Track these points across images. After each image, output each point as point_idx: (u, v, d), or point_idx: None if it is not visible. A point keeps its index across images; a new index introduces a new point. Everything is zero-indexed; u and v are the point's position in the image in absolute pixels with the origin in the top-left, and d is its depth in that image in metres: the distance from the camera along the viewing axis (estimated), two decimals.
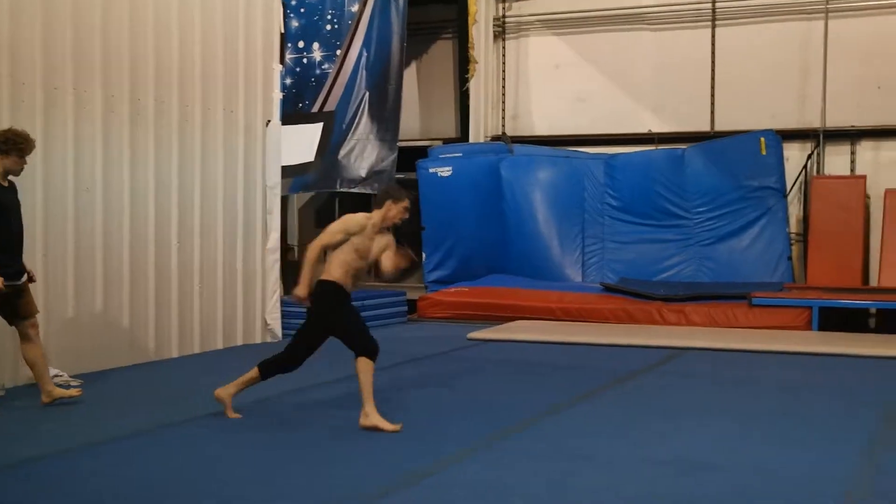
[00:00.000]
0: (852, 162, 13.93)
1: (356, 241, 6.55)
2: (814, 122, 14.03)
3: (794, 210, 14.08)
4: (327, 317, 6.60)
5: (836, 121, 13.93)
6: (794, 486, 5.26)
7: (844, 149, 13.96)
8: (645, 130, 15.05)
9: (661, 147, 14.69)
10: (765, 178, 13.64)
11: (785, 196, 13.65)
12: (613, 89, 15.27)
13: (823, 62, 13.93)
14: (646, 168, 14.27)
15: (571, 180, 14.54)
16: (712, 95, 14.67)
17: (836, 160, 14.01)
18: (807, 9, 14.11)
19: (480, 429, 6.66)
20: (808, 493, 5.13)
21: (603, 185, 14.41)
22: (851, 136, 13.90)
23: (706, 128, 14.69)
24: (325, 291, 6.57)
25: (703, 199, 13.90)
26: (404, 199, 6.64)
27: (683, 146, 14.27)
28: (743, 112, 14.40)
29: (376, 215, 6.64)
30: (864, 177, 13.61)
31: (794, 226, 13.96)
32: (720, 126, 14.57)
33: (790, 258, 13.47)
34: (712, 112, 14.69)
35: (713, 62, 14.64)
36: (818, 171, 14.02)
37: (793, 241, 13.79)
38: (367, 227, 6.58)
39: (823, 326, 11.79)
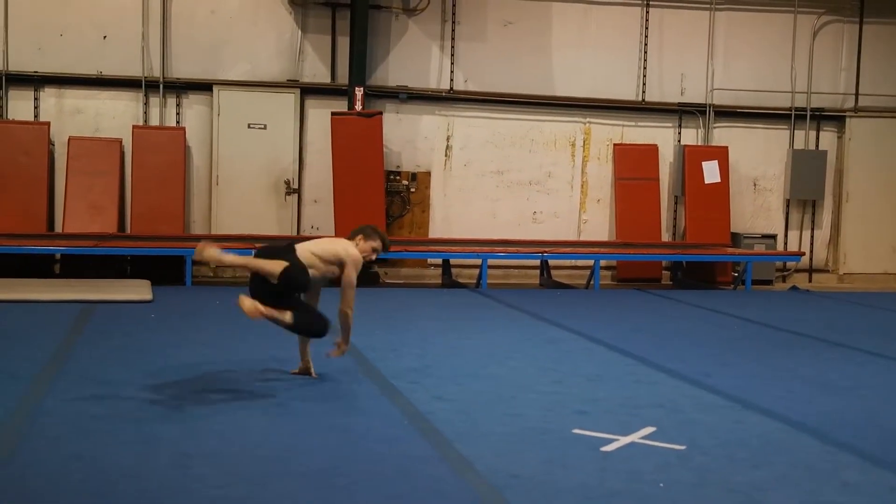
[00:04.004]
0: (36, 108, 13.79)
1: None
2: None
3: None
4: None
5: (19, 65, 13.65)
6: None
7: (28, 94, 13.74)
8: None
9: None
10: None
11: None
12: None
13: (5, 4, 13.52)
14: None
15: None
16: None
17: (20, 105, 13.74)
18: None
19: None
20: None
21: None
22: (35, 81, 13.73)
23: None
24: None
25: None
26: (376, 241, 6.81)
27: None
28: None
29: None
30: (47, 123, 13.56)
31: None
32: None
33: None
34: None
35: None
36: (1, 116, 13.63)
37: None
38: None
39: (4, 273, 11.67)
